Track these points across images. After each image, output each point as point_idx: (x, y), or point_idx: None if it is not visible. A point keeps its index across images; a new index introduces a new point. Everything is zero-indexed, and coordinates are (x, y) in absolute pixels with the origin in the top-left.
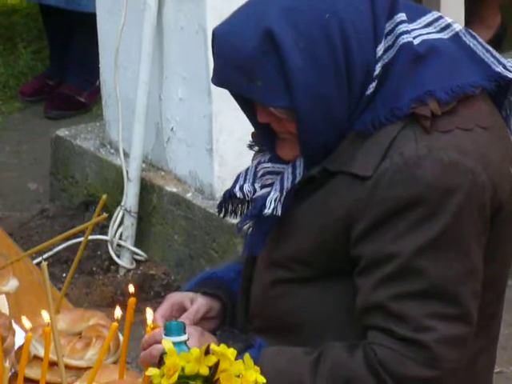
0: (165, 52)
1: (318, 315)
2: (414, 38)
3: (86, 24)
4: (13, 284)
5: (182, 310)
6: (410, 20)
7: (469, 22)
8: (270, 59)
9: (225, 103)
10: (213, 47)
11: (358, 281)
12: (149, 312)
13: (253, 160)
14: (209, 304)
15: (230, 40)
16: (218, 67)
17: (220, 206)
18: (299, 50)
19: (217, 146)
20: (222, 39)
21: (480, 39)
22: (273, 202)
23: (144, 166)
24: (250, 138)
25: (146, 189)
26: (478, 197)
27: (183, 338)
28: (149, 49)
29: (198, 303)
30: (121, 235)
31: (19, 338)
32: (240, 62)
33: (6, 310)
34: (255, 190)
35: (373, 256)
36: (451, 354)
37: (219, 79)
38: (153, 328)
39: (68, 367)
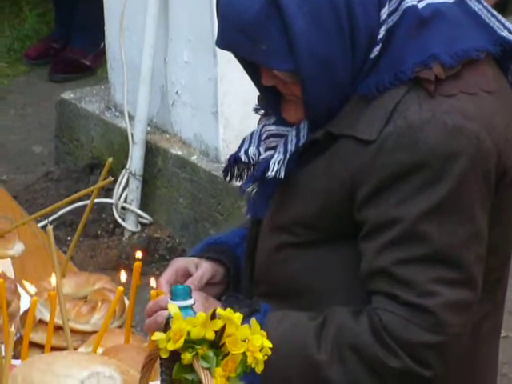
0: (170, 15)
1: (322, 279)
2: (419, 1)
3: None
4: (18, 248)
5: (187, 275)
6: None
7: None
8: (274, 22)
9: (230, 66)
10: (217, 10)
11: (362, 245)
12: (152, 280)
13: (258, 123)
14: (214, 269)
15: (234, 3)
16: (222, 30)
17: (226, 171)
18: (303, 13)
19: (222, 109)
20: (226, 2)
21: (485, 3)
22: (276, 164)
23: (149, 128)
24: (256, 102)
25: (151, 152)
26: (483, 162)
27: (189, 302)
28: (154, 12)
29: (203, 268)
30: (126, 198)
31: (24, 303)
32: (244, 26)
33: (11, 274)
34: (260, 154)
35: (376, 221)
36: (456, 319)
37: (223, 42)
38: (157, 295)
39: (73, 331)
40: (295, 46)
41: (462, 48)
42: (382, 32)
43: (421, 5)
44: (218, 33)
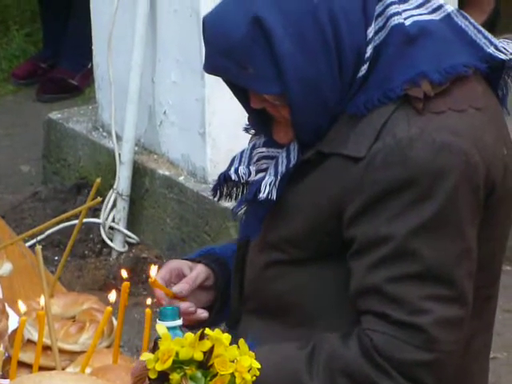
0: (158, 35)
1: (311, 297)
2: (406, 18)
3: (83, 6)
4: (6, 268)
5: (181, 276)
6: (402, 1)
7: (462, 6)
8: (260, 46)
9: (218, 87)
10: (203, 35)
11: (351, 263)
12: (153, 268)
13: (249, 142)
14: (207, 272)
15: (220, 27)
16: (209, 54)
17: (215, 189)
18: (288, 35)
19: (209, 130)
20: (212, 27)
21: (472, 20)
22: (267, 186)
23: (136, 149)
24: (244, 122)
25: (139, 172)
26: (472, 178)
27: (178, 322)
28: (142, 32)
29: (198, 269)
30: (113, 218)
31: (13, 322)
32: (230, 50)
33: None
34: (250, 173)
35: (366, 238)
36: (448, 336)
37: (210, 67)
38: (154, 282)
39: (62, 351)
40: (282, 68)
41: (450, 64)
42: (369, 50)
43: (407, 22)
44: (205, 57)
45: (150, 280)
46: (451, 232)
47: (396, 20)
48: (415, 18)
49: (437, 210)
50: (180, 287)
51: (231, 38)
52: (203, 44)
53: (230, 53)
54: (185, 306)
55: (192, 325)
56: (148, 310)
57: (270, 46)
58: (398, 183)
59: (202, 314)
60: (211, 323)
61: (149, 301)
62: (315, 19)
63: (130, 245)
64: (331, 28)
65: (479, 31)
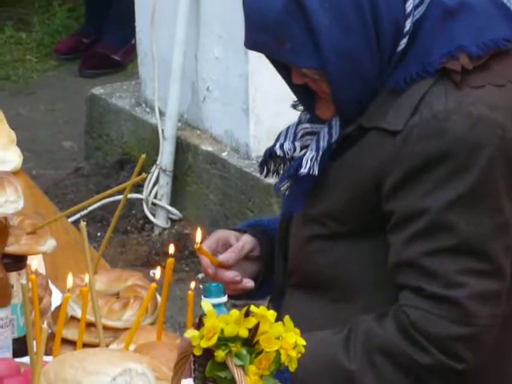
0: (201, 11)
1: (351, 272)
2: None
3: None
4: (50, 244)
5: (227, 245)
6: None
7: None
8: (297, 20)
9: (261, 63)
10: (243, 10)
11: (389, 237)
12: (198, 231)
13: (298, 118)
14: (254, 243)
15: (257, 3)
16: (248, 30)
17: (261, 166)
18: (325, 9)
19: (253, 106)
20: (250, 2)
21: None
22: (309, 161)
23: (179, 125)
24: (288, 98)
25: (182, 148)
26: (508, 151)
27: (223, 299)
28: (185, 8)
29: (244, 239)
30: (156, 194)
31: (56, 299)
32: (267, 25)
33: (42, 270)
34: (295, 149)
35: (403, 212)
36: (484, 310)
37: (249, 42)
38: (199, 248)
39: (105, 328)
40: (319, 43)
41: (490, 38)
42: (408, 25)
43: None
44: (245, 33)
45: (195, 246)
46: (487, 205)
47: None
48: None
49: (472, 183)
50: (226, 256)
51: (268, 13)
52: None
53: (267, 28)
54: (231, 274)
55: (238, 294)
56: (190, 293)
57: (306, 21)
58: (434, 156)
59: (248, 283)
60: (257, 295)
61: (192, 284)
62: None
63: (173, 221)
64: (368, 1)
65: None
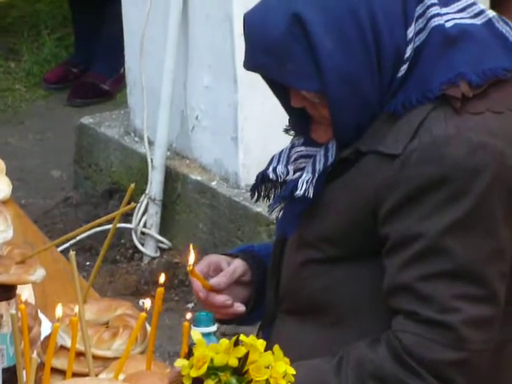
0: (190, 40)
1: (345, 297)
2: (447, 21)
3: (115, 11)
4: (39, 274)
5: (219, 270)
6: (444, 4)
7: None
8: (299, 42)
9: (250, 92)
10: (244, 32)
11: (385, 261)
12: (191, 253)
13: (290, 143)
14: (245, 267)
15: (260, 24)
16: (250, 51)
17: (253, 189)
18: (328, 33)
19: (242, 135)
20: (252, 23)
21: None
22: (304, 183)
23: (169, 154)
24: (277, 126)
25: (171, 177)
26: (506, 178)
27: (212, 328)
28: (174, 36)
29: (236, 263)
30: (145, 223)
31: (45, 328)
32: (270, 46)
33: (32, 300)
34: (288, 172)
35: (400, 235)
36: (478, 336)
37: (251, 63)
38: (191, 271)
39: (95, 357)
40: (321, 65)
41: (489, 67)
42: (408, 51)
43: (448, 24)
44: (245, 54)
45: (188, 268)
46: (484, 231)
47: (436, 21)
48: (457, 21)
49: (470, 209)
50: (218, 280)
51: (271, 34)
52: (236, 49)
53: (269, 49)
54: (222, 298)
55: (228, 319)
56: (186, 323)
57: (309, 43)
58: (432, 180)
59: (239, 307)
60: (247, 320)
61: (188, 315)
62: (355, 17)
63: (162, 250)
64: (371, 26)
65: None
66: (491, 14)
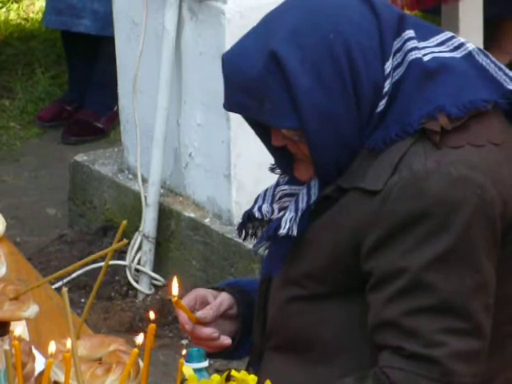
0: (183, 77)
1: (331, 334)
2: (425, 55)
3: (108, 49)
4: (33, 310)
5: (205, 303)
6: (423, 38)
7: (487, 47)
8: (276, 80)
9: (243, 129)
10: (223, 72)
11: (369, 297)
12: (174, 281)
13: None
14: (231, 301)
15: (237, 63)
16: (228, 91)
17: (240, 228)
18: (305, 70)
19: (235, 172)
20: (230, 63)
21: (493, 58)
22: (288, 222)
23: (162, 191)
24: (270, 164)
25: (164, 214)
26: (487, 211)
27: (204, 364)
28: (167, 74)
29: (222, 297)
30: (139, 260)
31: (39, 364)
32: (247, 85)
33: (26, 336)
34: (273, 211)
35: (382, 271)
36: (464, 369)
37: (229, 103)
38: (176, 302)
39: None
40: (298, 103)
41: (469, 99)
42: (387, 86)
43: (426, 58)
44: (224, 94)
45: (173, 299)
46: (466, 265)
47: (414, 55)
48: (435, 55)
49: (451, 243)
50: (204, 312)
51: (248, 73)
52: None
53: (247, 88)
54: (208, 331)
55: (215, 352)
56: (182, 361)
57: (286, 81)
58: (413, 215)
59: (226, 340)
60: (234, 355)
61: (184, 351)
62: (331, 54)
63: (156, 287)
64: (347, 63)
65: (500, 69)
66: (471, 46)
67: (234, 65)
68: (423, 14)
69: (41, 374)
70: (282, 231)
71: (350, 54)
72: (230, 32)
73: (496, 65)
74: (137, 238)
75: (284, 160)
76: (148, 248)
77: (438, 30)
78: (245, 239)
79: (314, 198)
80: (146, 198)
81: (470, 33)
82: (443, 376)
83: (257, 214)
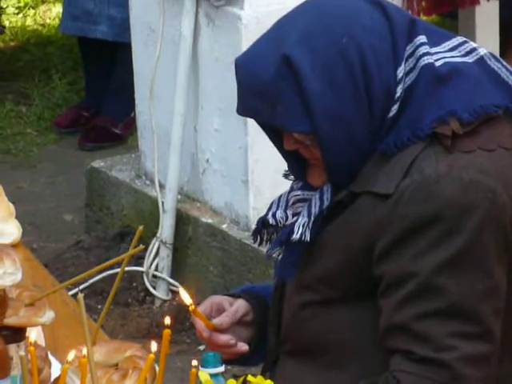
0: (200, 83)
1: (344, 337)
2: (437, 60)
3: (125, 55)
4: (49, 316)
5: (221, 311)
6: (435, 44)
7: (503, 53)
8: (289, 85)
9: (260, 134)
10: (236, 77)
11: (380, 301)
12: (181, 290)
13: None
14: (247, 307)
15: (250, 67)
16: (241, 96)
17: (255, 235)
18: (317, 75)
19: (252, 177)
20: (243, 67)
21: (504, 63)
22: (301, 227)
23: (179, 197)
24: (285, 169)
25: (182, 220)
26: (498, 215)
27: (220, 369)
28: (184, 80)
29: (238, 303)
30: (156, 266)
31: (55, 370)
32: (260, 89)
33: (42, 342)
34: (287, 217)
35: (393, 275)
36: (474, 373)
37: (242, 108)
38: (193, 310)
39: None
40: (311, 107)
41: (480, 104)
42: (399, 91)
43: (438, 63)
44: (238, 99)
45: (190, 308)
46: (477, 269)
47: (426, 60)
48: (447, 60)
49: (462, 246)
50: (220, 319)
51: (261, 77)
52: None
53: (260, 92)
54: (225, 338)
55: (232, 359)
56: (193, 370)
57: (298, 85)
58: (424, 219)
59: (243, 346)
60: (250, 361)
61: (194, 362)
62: (344, 58)
63: (174, 293)
64: (360, 67)
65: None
66: (483, 51)
67: (247, 69)
68: (441, 18)
69: (56, 379)
70: (295, 236)
71: (363, 57)
72: (246, 38)
73: (508, 69)
74: (154, 244)
75: (297, 166)
76: (165, 254)
77: (450, 35)
78: (260, 245)
79: (326, 203)
80: (163, 203)
81: (486, 37)
82: (453, 380)
83: (271, 221)
